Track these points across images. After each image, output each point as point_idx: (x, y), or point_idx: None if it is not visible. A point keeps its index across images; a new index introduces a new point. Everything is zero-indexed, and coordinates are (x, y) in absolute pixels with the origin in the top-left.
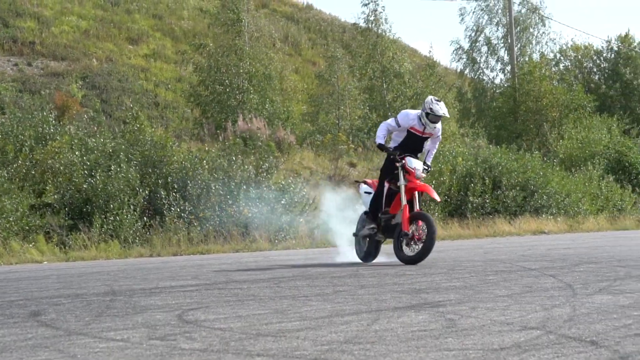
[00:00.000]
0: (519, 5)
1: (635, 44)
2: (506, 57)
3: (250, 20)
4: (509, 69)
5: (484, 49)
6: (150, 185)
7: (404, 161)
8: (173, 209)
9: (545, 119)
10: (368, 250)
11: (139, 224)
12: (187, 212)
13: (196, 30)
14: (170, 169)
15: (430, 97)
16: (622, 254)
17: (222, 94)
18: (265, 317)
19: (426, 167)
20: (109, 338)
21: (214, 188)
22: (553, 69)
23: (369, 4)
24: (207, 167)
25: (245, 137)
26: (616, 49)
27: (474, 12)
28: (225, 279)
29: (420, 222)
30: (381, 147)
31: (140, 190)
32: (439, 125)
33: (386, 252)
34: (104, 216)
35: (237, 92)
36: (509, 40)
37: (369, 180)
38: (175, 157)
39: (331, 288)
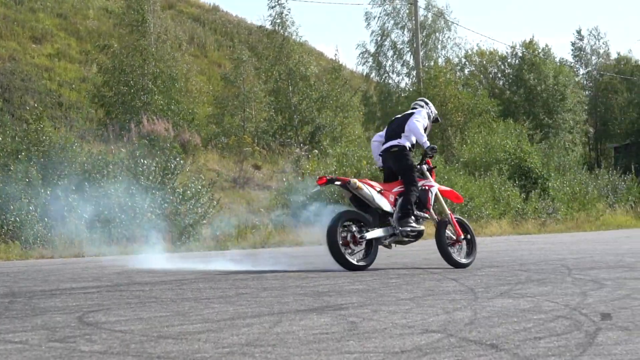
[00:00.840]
0: (424, 9)
1: (539, 50)
2: (412, 62)
3: (156, 22)
4: (414, 74)
5: (390, 53)
6: (52, 186)
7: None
8: (74, 210)
9: (450, 124)
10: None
11: (40, 225)
12: (88, 213)
13: (101, 31)
14: (72, 170)
15: (419, 99)
16: (523, 258)
17: (126, 94)
18: (166, 320)
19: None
20: (7, 340)
21: (116, 190)
22: (458, 73)
23: (275, 6)
24: (110, 168)
25: (151, 138)
26: (520, 55)
27: (379, 16)
28: (127, 281)
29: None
30: (433, 150)
31: (42, 191)
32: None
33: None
34: (4, 217)
35: (141, 93)
36: (415, 45)
37: (368, 181)
38: (78, 159)
39: (233, 290)
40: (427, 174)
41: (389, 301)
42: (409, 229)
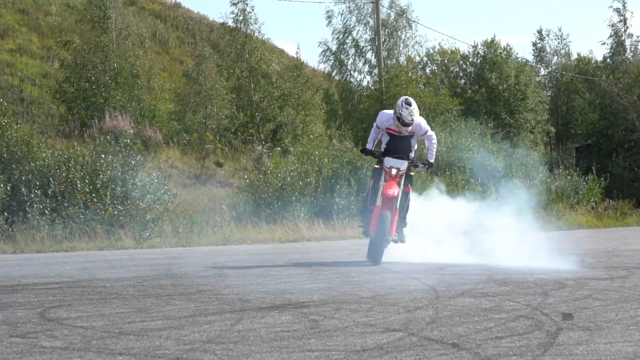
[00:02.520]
0: (387, 8)
1: (500, 49)
2: (373, 60)
3: (118, 18)
4: (376, 72)
5: (352, 51)
6: (13, 181)
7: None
8: (35, 205)
9: None
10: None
11: (1, 219)
12: (49, 209)
13: (63, 26)
14: (35, 166)
15: (401, 99)
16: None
17: (87, 90)
18: (128, 316)
19: (424, 164)
20: None
21: (79, 185)
22: (419, 72)
23: (238, 3)
24: (72, 164)
25: (114, 134)
26: (482, 54)
27: (342, 14)
28: (89, 277)
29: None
30: (362, 151)
31: (2, 186)
32: (414, 126)
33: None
34: None
35: (103, 89)
36: (377, 43)
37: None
38: (41, 154)
39: (195, 287)
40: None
41: (351, 299)
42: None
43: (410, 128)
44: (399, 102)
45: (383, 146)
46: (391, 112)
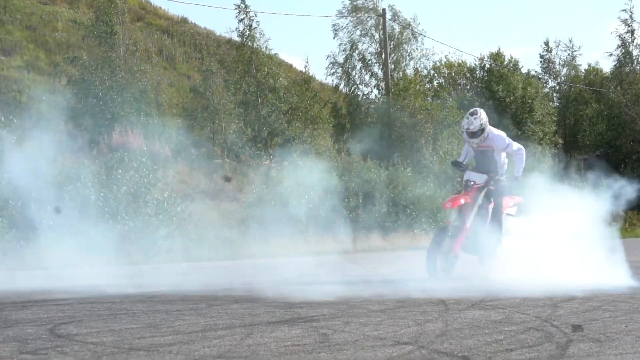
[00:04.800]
0: (391, 21)
1: (506, 62)
2: (380, 73)
3: (125, 33)
4: (383, 85)
5: (359, 64)
6: (23, 197)
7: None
8: (45, 221)
9: (420, 135)
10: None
11: (9, 236)
12: (60, 226)
13: (70, 42)
14: (44, 182)
15: (469, 111)
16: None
17: (95, 106)
18: (138, 332)
19: (514, 179)
20: None
21: (92, 199)
22: (427, 85)
23: (243, 19)
24: (83, 180)
25: (123, 150)
26: (489, 66)
27: (346, 28)
28: (98, 293)
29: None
30: (453, 164)
31: (11, 202)
32: (490, 139)
33: None
34: None
35: (110, 105)
36: (384, 57)
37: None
38: (52, 171)
39: (205, 302)
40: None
41: (360, 313)
42: None
43: (478, 140)
44: (467, 114)
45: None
46: None
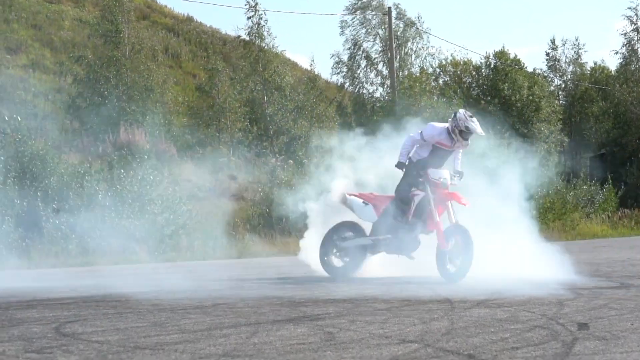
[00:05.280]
0: (395, 19)
1: (509, 60)
2: (385, 71)
3: (130, 32)
4: (388, 83)
5: (363, 62)
6: (29, 197)
7: (427, 174)
8: (52, 220)
9: None
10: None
11: (15, 235)
12: (65, 224)
13: (76, 41)
14: (51, 182)
15: (462, 113)
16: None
17: (101, 105)
18: (143, 330)
19: (458, 174)
20: None
21: (99, 198)
22: (432, 83)
23: (252, 16)
24: (89, 179)
25: (128, 148)
26: (494, 65)
27: (351, 26)
28: (104, 292)
29: (458, 236)
30: (398, 166)
31: (17, 201)
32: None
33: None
34: None
35: (116, 103)
36: (389, 55)
37: (363, 193)
38: (58, 170)
39: (210, 301)
40: (427, 187)
41: (366, 311)
42: None
43: (467, 142)
44: (461, 115)
45: (416, 157)
46: (443, 125)
